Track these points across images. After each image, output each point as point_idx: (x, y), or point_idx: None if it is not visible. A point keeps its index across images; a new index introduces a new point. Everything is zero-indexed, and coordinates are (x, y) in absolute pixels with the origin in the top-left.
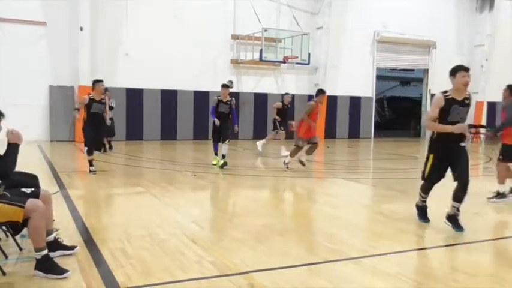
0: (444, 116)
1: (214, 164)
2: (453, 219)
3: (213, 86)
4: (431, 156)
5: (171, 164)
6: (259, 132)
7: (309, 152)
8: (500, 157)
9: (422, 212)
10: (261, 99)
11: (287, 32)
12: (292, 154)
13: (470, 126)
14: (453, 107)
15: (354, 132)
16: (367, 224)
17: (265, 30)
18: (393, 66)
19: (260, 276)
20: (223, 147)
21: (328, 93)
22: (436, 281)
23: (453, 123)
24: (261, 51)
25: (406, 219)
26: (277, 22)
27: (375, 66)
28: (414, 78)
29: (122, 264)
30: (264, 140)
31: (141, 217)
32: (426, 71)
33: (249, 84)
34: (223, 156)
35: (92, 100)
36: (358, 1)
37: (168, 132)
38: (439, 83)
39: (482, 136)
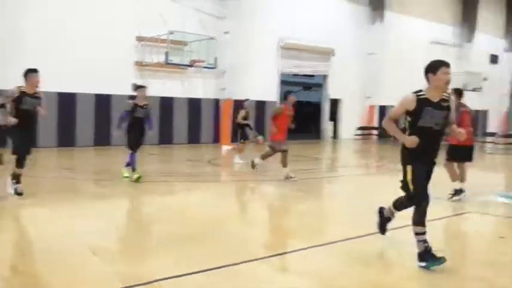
0: (414, 119)
1: (127, 177)
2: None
3: (115, 89)
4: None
5: (70, 172)
6: (165, 137)
7: (284, 162)
8: (447, 157)
9: (384, 223)
10: (167, 103)
11: (194, 36)
12: (264, 156)
13: (362, 128)
14: (426, 109)
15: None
16: (276, 223)
17: (171, 33)
18: (296, 72)
19: (169, 284)
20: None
21: (235, 97)
22: (345, 275)
23: (425, 129)
24: (166, 54)
25: (313, 217)
26: (184, 25)
27: (280, 72)
28: (315, 84)
29: (11, 284)
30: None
31: (36, 230)
32: (325, 76)
33: (155, 87)
34: (128, 165)
35: (23, 93)
36: (264, 8)
37: (67, 138)
38: (337, 88)
39: (374, 137)
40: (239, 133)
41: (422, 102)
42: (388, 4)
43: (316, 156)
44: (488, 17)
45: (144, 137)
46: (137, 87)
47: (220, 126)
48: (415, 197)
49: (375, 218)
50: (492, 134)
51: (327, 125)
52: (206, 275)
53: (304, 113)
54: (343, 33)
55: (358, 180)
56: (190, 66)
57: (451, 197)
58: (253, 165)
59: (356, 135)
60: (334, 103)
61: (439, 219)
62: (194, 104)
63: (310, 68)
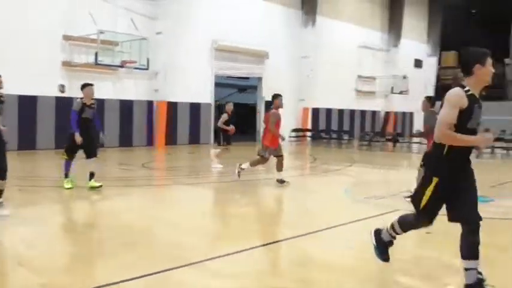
0: (464, 120)
1: (70, 188)
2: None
3: (40, 90)
4: (435, 180)
5: None
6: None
7: (279, 167)
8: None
9: (385, 248)
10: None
11: (125, 36)
12: (254, 164)
13: (296, 130)
14: (475, 107)
15: (194, 138)
16: (209, 227)
17: (101, 33)
18: (231, 74)
19: None
20: (91, 164)
21: (169, 99)
22: (278, 275)
23: (471, 132)
24: (96, 54)
25: (247, 219)
26: (115, 25)
27: (214, 74)
28: (250, 86)
29: None
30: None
31: None
32: (260, 79)
33: None
34: (92, 175)
35: None
36: (197, 9)
37: None
38: (271, 91)
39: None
40: (221, 137)
41: (471, 99)
42: (319, 9)
43: (243, 167)
44: (412, 24)
45: (97, 141)
46: (84, 86)
47: (154, 129)
48: (421, 216)
49: (370, 240)
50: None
51: (262, 127)
52: (140, 281)
53: (240, 115)
54: (277, 36)
55: (293, 182)
56: (121, 67)
57: (408, 197)
58: (239, 171)
59: (290, 137)
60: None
61: (373, 217)
62: (126, 106)
63: (245, 70)
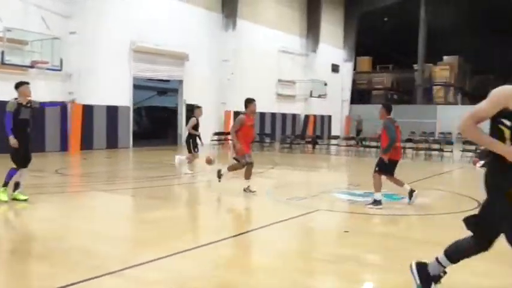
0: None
1: (25, 200)
2: None
3: None
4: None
5: None
6: (2, 145)
7: (247, 175)
8: (377, 168)
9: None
10: (3, 107)
11: (35, 35)
12: (231, 168)
13: (218, 133)
14: None
15: (112, 143)
16: (129, 234)
17: (9, 31)
18: (150, 76)
19: None
20: (25, 174)
21: (84, 102)
22: (201, 280)
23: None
24: (2, 53)
25: (169, 225)
26: (24, 22)
27: (132, 75)
28: (170, 89)
29: None
30: (183, 157)
31: None
32: (181, 81)
33: None
34: (17, 186)
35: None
36: (114, 8)
37: None
38: (193, 94)
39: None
40: (191, 143)
41: None
42: (240, 12)
43: (173, 163)
44: (330, 30)
45: (30, 145)
46: (19, 84)
47: (69, 133)
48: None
49: (407, 277)
50: (336, 137)
51: (183, 131)
52: None
53: (160, 118)
54: (198, 38)
55: (216, 185)
56: (32, 67)
57: (369, 204)
58: (219, 175)
59: (213, 140)
60: (191, 108)
61: (295, 218)
62: (37, 109)
63: (165, 72)
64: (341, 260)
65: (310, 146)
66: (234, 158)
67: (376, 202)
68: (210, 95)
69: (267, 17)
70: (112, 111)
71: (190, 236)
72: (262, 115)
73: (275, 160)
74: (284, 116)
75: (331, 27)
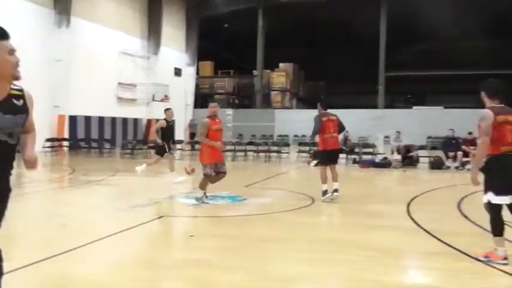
0: None
1: None
2: None
3: None
4: None
5: None
6: None
7: (213, 180)
8: (318, 162)
9: None
10: None
11: None
12: (202, 186)
13: (51, 139)
14: None
15: None
16: None
17: None
18: None
19: None
20: None
21: None
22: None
23: None
24: None
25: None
26: None
27: None
28: None
29: None
30: (144, 165)
31: None
32: None
33: None
34: None
35: None
36: None
37: None
38: None
39: (65, 149)
40: (160, 146)
41: None
42: (74, 10)
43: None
44: (171, 33)
45: None
46: None
47: None
48: None
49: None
50: (180, 142)
51: None
52: None
53: None
54: (25, 35)
55: (50, 196)
56: None
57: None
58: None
59: (44, 147)
60: None
61: (139, 226)
62: None
63: None
64: (188, 265)
65: (152, 151)
66: (204, 174)
67: (323, 192)
68: (41, 98)
69: (106, 17)
70: None
71: (19, 253)
72: (101, 119)
73: (116, 167)
74: (125, 120)
75: (173, 30)
